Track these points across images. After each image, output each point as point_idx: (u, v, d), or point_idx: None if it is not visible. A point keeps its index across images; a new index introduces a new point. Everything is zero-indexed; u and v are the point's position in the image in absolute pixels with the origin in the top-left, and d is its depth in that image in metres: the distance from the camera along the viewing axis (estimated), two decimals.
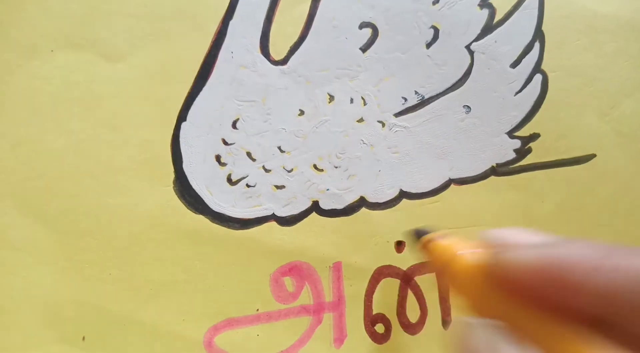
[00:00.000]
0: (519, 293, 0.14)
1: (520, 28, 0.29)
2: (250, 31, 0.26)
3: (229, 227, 0.25)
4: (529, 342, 0.14)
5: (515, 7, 0.29)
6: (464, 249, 0.18)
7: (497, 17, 0.29)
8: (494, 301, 0.15)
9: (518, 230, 0.16)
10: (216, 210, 0.25)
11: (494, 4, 0.29)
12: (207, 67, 0.25)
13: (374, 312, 0.26)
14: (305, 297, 0.25)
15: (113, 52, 0.25)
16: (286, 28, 0.26)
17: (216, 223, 0.25)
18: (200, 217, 0.25)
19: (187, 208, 0.24)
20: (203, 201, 0.25)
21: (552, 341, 0.13)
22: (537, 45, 0.29)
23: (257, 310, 0.25)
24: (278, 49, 0.26)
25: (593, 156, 0.29)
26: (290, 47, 0.26)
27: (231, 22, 0.25)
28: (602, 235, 0.28)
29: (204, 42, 0.25)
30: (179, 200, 0.24)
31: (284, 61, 0.26)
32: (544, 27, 0.29)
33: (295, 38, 0.26)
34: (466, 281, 0.17)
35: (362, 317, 0.26)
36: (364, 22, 0.27)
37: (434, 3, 0.28)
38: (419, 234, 0.22)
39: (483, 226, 0.28)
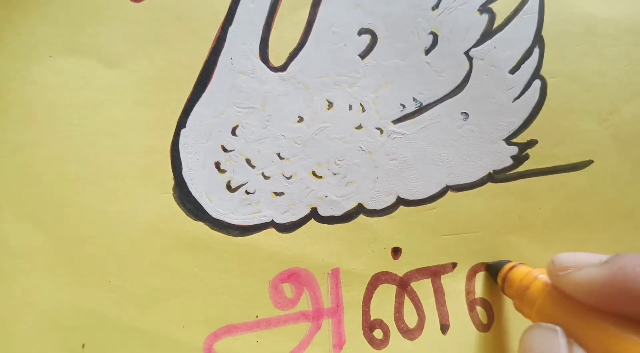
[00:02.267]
0: (586, 305, 0.18)
1: (519, 33, 0.29)
2: (249, 37, 0.26)
3: (228, 234, 0.25)
4: (591, 345, 0.17)
5: (515, 12, 0.29)
6: (541, 273, 0.22)
7: (497, 23, 0.29)
8: (564, 313, 0.19)
9: (584, 254, 0.19)
10: (215, 217, 0.25)
11: (494, 9, 0.29)
12: (207, 74, 0.25)
13: (372, 318, 0.26)
14: (304, 303, 0.25)
15: (112, 58, 0.25)
16: (285, 34, 0.26)
17: (215, 230, 0.25)
18: (200, 224, 0.25)
19: (187, 215, 0.25)
20: (202, 208, 0.25)
21: (611, 343, 0.16)
22: (536, 50, 0.29)
23: (257, 316, 0.25)
24: (277, 56, 0.26)
25: (590, 162, 0.29)
26: (290, 53, 0.26)
27: (230, 29, 0.25)
28: (599, 241, 0.29)
29: (203, 48, 0.25)
30: (178, 207, 0.25)
31: (283, 68, 0.26)
32: (543, 32, 0.29)
33: (294, 44, 0.26)
34: (542, 298, 0.21)
35: (361, 323, 0.26)
36: (363, 28, 0.27)
37: (433, 9, 0.28)
38: (497, 265, 0.26)
39: (480, 232, 0.28)
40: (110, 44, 0.25)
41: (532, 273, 0.23)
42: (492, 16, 0.29)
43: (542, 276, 0.22)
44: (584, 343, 0.18)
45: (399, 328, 0.26)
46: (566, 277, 0.19)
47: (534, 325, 0.19)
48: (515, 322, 0.28)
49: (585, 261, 0.19)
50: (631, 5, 0.31)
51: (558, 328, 0.18)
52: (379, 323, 0.26)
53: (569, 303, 0.19)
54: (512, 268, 0.25)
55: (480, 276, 0.28)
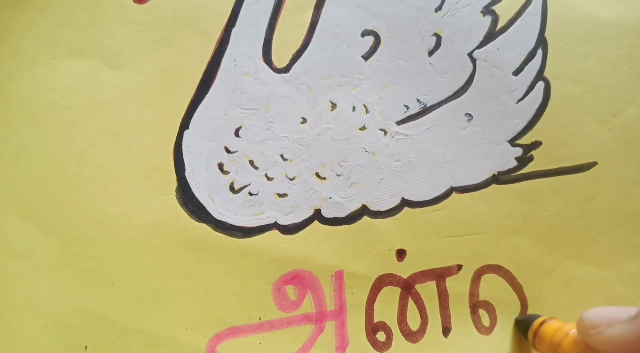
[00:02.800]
0: None
1: (523, 35, 0.29)
2: (252, 39, 0.26)
3: (231, 235, 0.25)
4: None
5: (519, 14, 0.29)
6: (573, 328, 0.23)
7: (500, 24, 0.29)
8: None
9: (612, 308, 0.20)
10: (219, 218, 0.25)
11: (497, 11, 0.29)
12: (210, 75, 0.25)
13: (375, 320, 0.26)
14: (308, 306, 0.25)
15: (115, 60, 0.25)
16: (288, 36, 0.26)
17: (219, 232, 0.25)
18: (203, 225, 0.25)
19: (190, 216, 0.25)
20: (205, 209, 0.25)
21: None
22: (539, 52, 0.29)
23: (260, 318, 0.25)
24: (280, 57, 0.26)
25: (594, 163, 0.29)
26: (293, 55, 0.26)
27: (234, 30, 0.25)
28: (603, 243, 0.28)
29: (206, 49, 0.25)
30: (181, 208, 0.24)
31: (286, 69, 0.26)
32: (546, 34, 0.29)
33: (297, 46, 0.26)
34: None
35: (364, 325, 0.26)
36: (366, 30, 0.27)
37: (436, 10, 0.28)
38: (528, 320, 0.26)
39: (483, 234, 0.28)
40: (114, 45, 0.25)
41: (563, 329, 0.23)
42: (496, 18, 0.29)
43: (574, 332, 0.23)
44: None
45: (401, 331, 0.26)
46: (598, 336, 0.19)
47: None
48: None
49: (615, 317, 0.19)
50: (634, 7, 0.31)
51: None
52: (382, 326, 0.26)
53: None
54: (542, 323, 0.25)
55: (485, 279, 0.28)
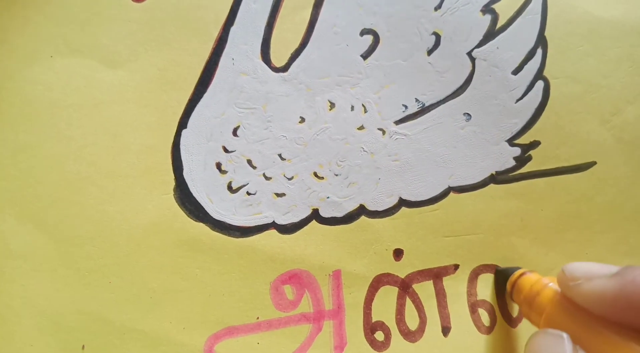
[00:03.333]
0: (595, 315, 0.18)
1: (522, 34, 0.29)
2: (251, 38, 0.26)
3: (229, 235, 0.25)
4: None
5: (518, 13, 0.29)
6: (550, 281, 0.23)
7: (500, 23, 0.29)
8: (572, 321, 0.20)
9: (595, 264, 0.20)
10: (216, 218, 0.25)
11: (497, 10, 0.28)
12: (208, 74, 0.25)
13: (374, 320, 0.26)
14: (305, 305, 0.25)
15: (113, 58, 0.25)
16: (287, 34, 0.26)
17: (216, 231, 0.25)
18: (201, 225, 0.25)
19: (188, 216, 0.24)
20: (203, 208, 0.25)
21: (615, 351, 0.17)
22: (539, 51, 0.29)
23: (258, 318, 0.25)
24: (279, 56, 0.26)
25: (593, 163, 0.29)
26: (291, 54, 0.26)
27: (232, 29, 0.25)
28: (602, 243, 0.28)
29: (204, 48, 0.25)
30: (179, 208, 0.24)
31: (284, 68, 0.26)
32: (546, 33, 0.29)
33: (296, 45, 0.26)
34: (551, 306, 0.21)
35: (362, 325, 0.26)
36: (365, 28, 0.27)
37: (436, 9, 0.28)
38: (507, 271, 0.26)
39: (481, 234, 0.28)
40: (112, 44, 0.24)
41: (541, 281, 0.23)
42: (495, 17, 0.28)
43: (552, 285, 0.23)
44: (590, 351, 0.18)
45: (400, 330, 0.26)
46: (577, 288, 0.19)
47: (541, 331, 0.19)
48: (519, 325, 0.27)
49: (596, 272, 0.19)
50: (634, 6, 0.31)
51: (565, 335, 0.18)
52: (381, 325, 0.26)
53: (577, 312, 0.20)
54: (521, 275, 0.25)
55: (482, 278, 0.28)
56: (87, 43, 0.24)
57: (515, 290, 0.25)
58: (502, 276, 0.27)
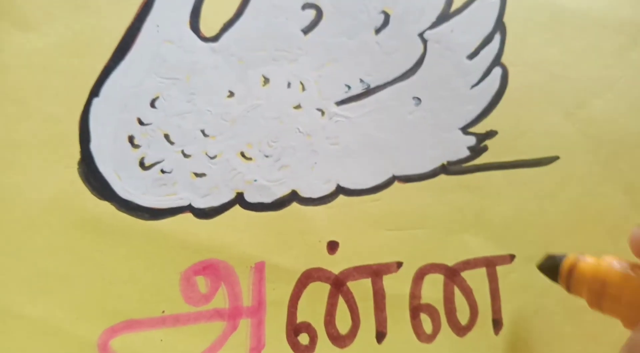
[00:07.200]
0: None
1: (479, 18, 0.27)
2: (179, 5, 0.24)
3: (137, 217, 0.22)
4: None
5: None
6: (614, 259, 0.20)
7: (455, 5, 0.27)
8: None
9: None
10: (124, 197, 0.22)
11: None
12: (129, 40, 0.23)
13: (299, 320, 0.23)
14: (220, 300, 0.22)
15: (26, 21, 0.23)
16: (220, 4, 0.24)
17: (122, 212, 0.22)
18: (105, 203, 0.22)
19: (91, 193, 0.22)
20: (109, 186, 0.22)
21: None
22: (497, 37, 0.27)
23: (163, 311, 0.22)
24: (210, 26, 0.24)
25: (556, 158, 0.27)
26: (224, 24, 0.24)
27: None
28: (564, 244, 0.26)
29: (127, 13, 0.23)
30: (82, 183, 0.22)
31: (215, 38, 0.24)
32: (505, 19, 0.27)
33: (230, 15, 0.24)
34: (635, 286, 0.19)
35: (285, 325, 0.23)
36: (307, 3, 0.25)
37: None
38: (553, 263, 0.22)
39: (428, 229, 0.25)
40: (26, 6, 0.23)
41: (603, 264, 0.20)
42: None
43: (617, 264, 0.20)
44: None
45: (328, 334, 0.23)
46: None
47: None
48: (467, 334, 0.24)
49: None
50: None
51: None
52: (306, 327, 0.23)
53: None
54: (575, 262, 0.21)
55: (429, 279, 0.25)
56: (0, 5, 0.22)
57: (574, 282, 0.21)
58: (549, 271, 0.22)
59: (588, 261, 0.21)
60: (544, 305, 0.26)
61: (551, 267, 0.22)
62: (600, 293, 0.20)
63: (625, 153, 0.27)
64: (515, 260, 0.26)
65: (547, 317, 0.26)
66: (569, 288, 0.21)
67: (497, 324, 0.25)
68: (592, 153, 0.27)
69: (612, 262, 0.20)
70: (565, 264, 0.21)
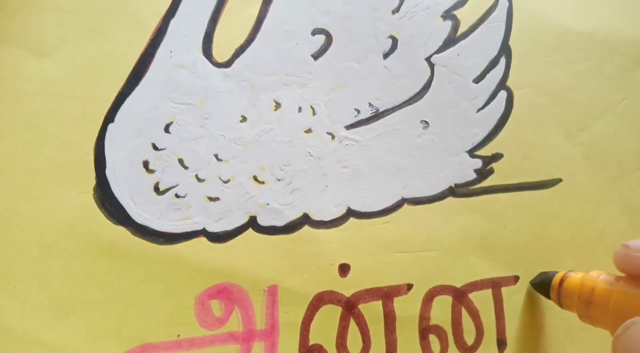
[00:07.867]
0: None
1: (485, 42, 0.28)
2: (192, 31, 0.24)
3: (152, 241, 0.22)
4: None
5: (481, 20, 0.28)
6: (600, 274, 0.22)
7: (462, 30, 0.27)
8: None
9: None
10: (139, 222, 0.22)
11: (458, 16, 0.27)
12: (143, 66, 0.23)
13: (311, 343, 0.23)
14: (234, 323, 0.23)
15: (41, 48, 0.23)
16: (232, 30, 0.24)
17: (138, 237, 0.22)
18: (121, 229, 0.22)
19: (107, 218, 0.22)
20: (125, 211, 0.22)
21: None
22: (502, 60, 0.28)
23: (178, 335, 0.22)
24: (222, 51, 0.24)
25: (559, 180, 0.27)
26: (236, 49, 0.25)
27: (172, 21, 0.24)
28: (567, 264, 0.26)
29: (141, 40, 0.24)
30: (98, 209, 0.22)
31: (227, 64, 0.24)
32: (511, 42, 0.28)
33: (241, 41, 0.25)
34: (619, 294, 0.20)
35: (297, 348, 0.23)
36: (317, 28, 0.25)
37: (393, 12, 0.26)
38: (544, 281, 0.25)
39: (437, 251, 0.25)
40: (41, 33, 0.23)
41: (590, 276, 0.22)
42: (456, 23, 0.27)
43: (603, 277, 0.21)
44: None
45: None
46: None
47: (634, 322, 0.17)
48: (473, 352, 0.25)
49: None
50: (605, 19, 0.30)
51: None
52: (318, 349, 0.23)
53: None
54: (563, 277, 0.23)
55: (439, 301, 0.25)
56: (16, 32, 0.23)
57: (564, 295, 0.23)
58: (541, 287, 0.25)
59: (576, 276, 0.23)
60: (546, 324, 0.26)
61: (543, 283, 0.24)
62: (588, 303, 0.21)
63: (624, 175, 0.28)
64: (519, 281, 0.26)
65: (549, 336, 0.26)
66: (560, 302, 0.23)
67: (501, 344, 0.26)
68: (593, 175, 0.28)
69: (598, 275, 0.22)
70: (556, 280, 0.23)
